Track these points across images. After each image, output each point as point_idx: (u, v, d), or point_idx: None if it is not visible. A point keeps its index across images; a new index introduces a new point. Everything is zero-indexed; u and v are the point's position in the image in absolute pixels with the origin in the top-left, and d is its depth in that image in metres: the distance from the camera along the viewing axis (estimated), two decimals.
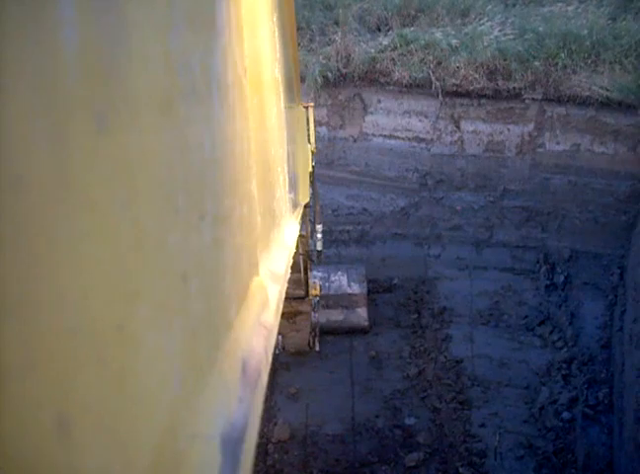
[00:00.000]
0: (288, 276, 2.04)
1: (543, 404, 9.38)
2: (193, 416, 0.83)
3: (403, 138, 10.96)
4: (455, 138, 10.76)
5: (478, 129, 10.66)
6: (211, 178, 1.01)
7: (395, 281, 10.83)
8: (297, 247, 5.10)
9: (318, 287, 7.16)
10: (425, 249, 10.97)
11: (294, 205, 3.01)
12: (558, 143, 10.41)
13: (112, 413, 0.57)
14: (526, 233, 10.70)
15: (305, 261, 6.07)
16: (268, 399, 9.40)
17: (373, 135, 11.09)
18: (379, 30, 11.59)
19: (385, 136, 11.03)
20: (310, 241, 6.15)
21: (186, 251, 0.84)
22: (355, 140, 11.15)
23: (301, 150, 4.04)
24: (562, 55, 10.21)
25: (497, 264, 10.72)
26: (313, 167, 5.36)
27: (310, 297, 7.01)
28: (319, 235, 6.37)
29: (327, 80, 10.72)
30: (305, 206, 4.95)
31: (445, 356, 9.99)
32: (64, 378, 0.49)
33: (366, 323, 10.24)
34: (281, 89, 2.36)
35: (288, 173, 2.49)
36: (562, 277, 10.42)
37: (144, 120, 0.69)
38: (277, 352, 8.36)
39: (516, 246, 10.74)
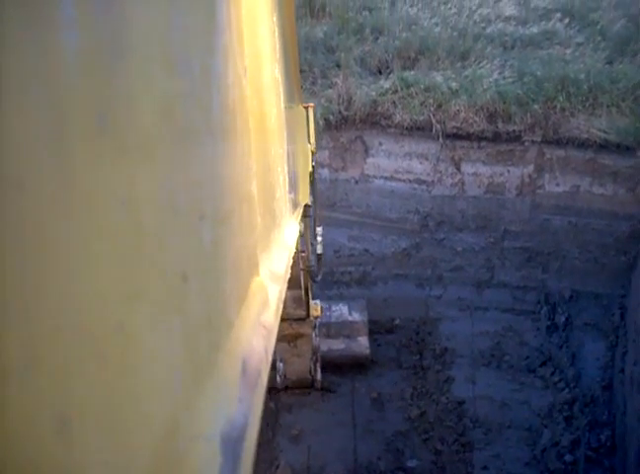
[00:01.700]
0: (288, 275, 2.01)
1: (545, 446, 9.35)
2: (193, 416, 0.83)
3: (404, 180, 11.03)
4: (456, 180, 10.84)
5: (478, 171, 10.74)
6: (211, 178, 1.01)
7: (397, 322, 10.81)
8: (297, 262, 5.00)
9: (319, 308, 7.01)
10: (426, 290, 10.98)
11: (294, 206, 2.98)
12: (558, 185, 10.49)
13: (112, 413, 0.58)
14: (527, 274, 10.72)
15: (306, 279, 6.03)
16: (269, 441, 9.39)
17: (375, 177, 11.15)
18: (380, 72, 11.71)
19: (387, 178, 11.10)
20: (311, 256, 6.07)
21: (186, 251, 0.85)
22: (356, 182, 11.23)
23: (301, 150, 4.01)
24: (560, 98, 10.34)
25: (498, 304, 10.73)
26: (313, 167, 5.34)
27: (311, 318, 6.88)
28: (319, 238, 6.29)
29: (329, 123, 10.83)
30: (304, 215, 4.93)
31: (447, 398, 9.97)
32: (64, 378, 0.49)
33: (368, 351, 10.19)
34: (281, 89, 2.35)
35: (288, 173, 2.47)
36: (563, 318, 10.42)
37: (144, 120, 0.70)
38: (278, 379, 8.31)
39: (516, 286, 10.75)
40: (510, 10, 14.08)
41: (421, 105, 10.66)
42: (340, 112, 10.88)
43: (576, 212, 10.42)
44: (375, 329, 10.60)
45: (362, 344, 10.23)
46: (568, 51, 11.59)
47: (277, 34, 2.26)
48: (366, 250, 11.23)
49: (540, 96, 10.41)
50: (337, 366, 10.02)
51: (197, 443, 0.82)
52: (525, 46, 12.13)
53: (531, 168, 10.55)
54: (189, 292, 0.84)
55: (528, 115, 10.33)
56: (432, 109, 10.61)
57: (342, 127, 11.00)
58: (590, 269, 10.42)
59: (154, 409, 0.69)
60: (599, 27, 12.49)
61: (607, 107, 10.29)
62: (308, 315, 6.72)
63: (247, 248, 1.29)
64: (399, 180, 11.05)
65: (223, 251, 1.06)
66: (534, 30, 12.84)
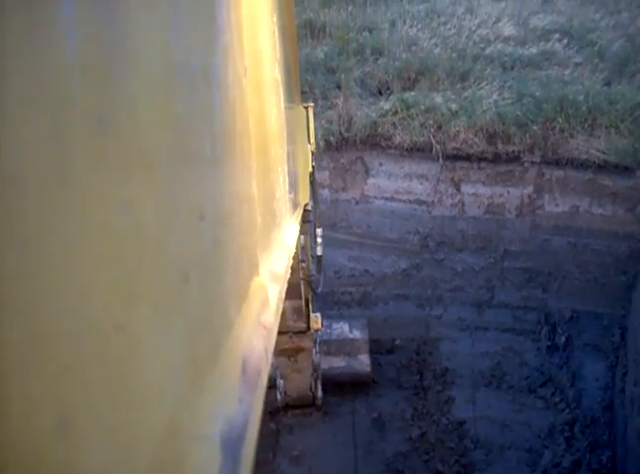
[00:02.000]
0: (288, 275, 1.98)
1: (546, 467, 9.32)
2: (193, 416, 0.83)
3: (404, 201, 11.10)
4: (456, 201, 10.90)
5: (478, 192, 10.81)
6: (211, 178, 1.00)
7: (397, 342, 10.80)
8: (296, 270, 4.82)
9: (320, 321, 6.83)
10: (426, 310, 11.00)
11: (294, 206, 2.93)
12: (557, 205, 10.55)
13: (112, 413, 0.57)
14: (527, 294, 10.75)
15: (307, 290, 5.93)
16: (270, 462, 9.38)
17: (375, 198, 11.22)
18: (380, 93, 11.80)
19: (387, 199, 11.17)
20: (311, 266, 5.94)
21: (186, 251, 0.84)
22: (357, 203, 11.29)
23: (301, 150, 3.92)
24: (559, 120, 10.43)
25: (498, 324, 10.75)
26: (313, 167, 5.26)
27: (312, 331, 6.72)
28: (319, 239, 6.17)
29: (329, 144, 10.91)
30: (304, 221, 4.83)
31: (448, 419, 9.95)
32: (64, 378, 0.49)
33: (369, 369, 10.10)
34: (281, 89, 2.31)
35: (288, 173, 2.43)
36: (563, 338, 10.44)
37: (144, 120, 0.69)
38: (278, 397, 8.23)
39: (517, 307, 10.77)
40: (509, 30, 14.21)
41: (421, 126, 10.74)
42: (340, 133, 10.96)
43: (575, 232, 10.47)
44: (376, 349, 10.59)
45: (364, 361, 10.14)
46: (567, 72, 11.69)
47: (276, 34, 2.24)
48: (367, 270, 11.26)
49: (539, 117, 10.50)
50: (338, 385, 9.94)
51: (197, 443, 0.82)
52: (525, 67, 12.23)
53: (531, 188, 10.61)
54: (189, 293, 0.84)
55: (528, 135, 10.41)
56: (432, 130, 10.69)
57: (342, 148, 11.08)
58: (590, 288, 10.45)
59: (154, 409, 0.69)
60: (597, 47, 12.60)
61: (606, 128, 10.37)
62: (309, 328, 6.59)
63: (247, 248, 1.29)
64: (399, 200, 11.11)
65: (224, 251, 1.06)
66: (533, 50, 12.95)
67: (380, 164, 11.11)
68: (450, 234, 10.96)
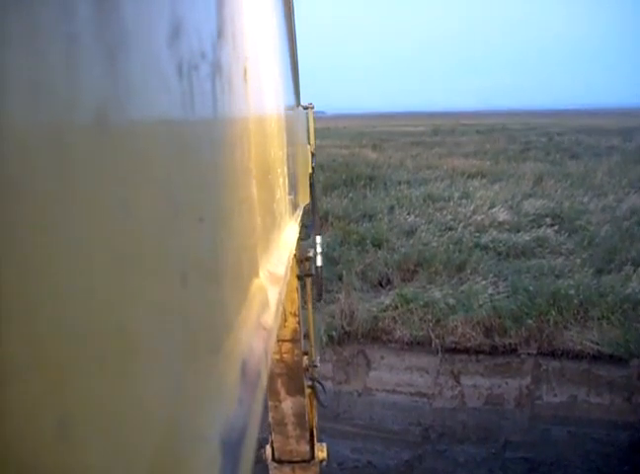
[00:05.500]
0: (288, 278, 1.96)
1: None
2: (192, 417, 0.81)
3: (406, 393, 11.28)
4: (456, 392, 11.12)
5: (477, 384, 11.04)
6: (211, 179, 1.00)
7: None
8: (299, 359, 4.61)
9: (325, 450, 6.18)
10: None
11: (294, 207, 2.88)
12: (555, 395, 10.77)
13: (112, 413, 0.57)
14: None
15: (312, 413, 5.45)
16: None
17: (377, 390, 11.41)
18: (381, 285, 12.34)
19: (388, 391, 11.36)
20: (314, 359, 5.52)
21: (185, 252, 0.83)
22: (359, 395, 11.48)
23: (301, 152, 3.82)
24: (553, 313, 10.87)
25: None
26: (313, 168, 5.14)
27: (317, 460, 6.06)
28: (319, 249, 5.93)
29: (332, 338, 11.29)
30: (306, 274, 4.58)
31: None
32: (64, 379, 0.49)
33: None
34: (281, 90, 2.29)
35: (288, 174, 2.39)
36: None
37: (144, 121, 0.70)
38: None
39: None
40: (503, 216, 14.96)
41: (420, 320, 11.15)
42: (342, 327, 11.35)
43: (575, 422, 10.59)
44: None
45: None
46: (559, 261, 12.23)
47: (277, 34, 2.24)
48: (370, 462, 11.27)
49: (533, 310, 10.93)
50: None
51: (196, 445, 0.82)
52: (518, 256, 12.80)
53: (529, 379, 10.86)
54: (188, 294, 0.83)
55: (523, 328, 10.79)
56: (430, 324, 11.09)
57: (344, 342, 11.41)
58: None
59: (154, 410, 0.69)
60: (587, 236, 13.23)
61: (598, 319, 10.79)
62: (313, 456, 5.97)
63: (247, 249, 1.30)
64: (401, 392, 11.32)
65: (223, 253, 1.06)
66: (526, 237, 13.60)
67: (382, 357, 11.43)
68: (451, 425, 11.09)
